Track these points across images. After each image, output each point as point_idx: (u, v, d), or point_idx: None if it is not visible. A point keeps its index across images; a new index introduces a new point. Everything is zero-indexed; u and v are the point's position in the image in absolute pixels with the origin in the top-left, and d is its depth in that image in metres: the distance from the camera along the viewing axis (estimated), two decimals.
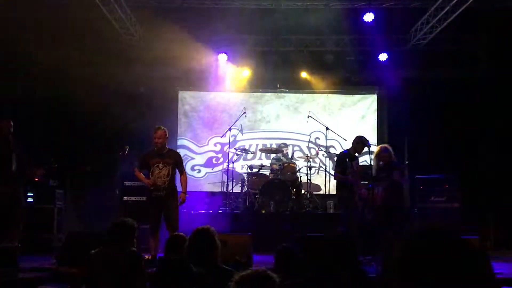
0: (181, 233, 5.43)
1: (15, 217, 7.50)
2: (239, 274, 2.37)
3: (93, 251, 4.41)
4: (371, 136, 12.12)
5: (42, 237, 8.86)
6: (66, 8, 9.57)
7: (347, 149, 8.51)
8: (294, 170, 11.11)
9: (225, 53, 12.16)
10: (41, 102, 10.67)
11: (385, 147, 8.25)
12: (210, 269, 3.95)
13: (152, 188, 7.58)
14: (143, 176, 7.74)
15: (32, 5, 9.06)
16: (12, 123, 7.68)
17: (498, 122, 11.10)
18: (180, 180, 7.94)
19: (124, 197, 9.53)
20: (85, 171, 9.70)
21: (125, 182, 9.64)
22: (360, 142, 8.34)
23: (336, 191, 8.55)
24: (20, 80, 9.66)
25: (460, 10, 10.01)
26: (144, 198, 8.52)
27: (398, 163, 8.05)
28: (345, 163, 8.13)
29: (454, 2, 9.94)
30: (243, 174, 11.44)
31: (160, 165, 7.65)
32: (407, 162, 7.56)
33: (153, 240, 7.53)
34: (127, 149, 9.14)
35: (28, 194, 9.11)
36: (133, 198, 9.49)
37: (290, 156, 11.63)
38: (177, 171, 7.86)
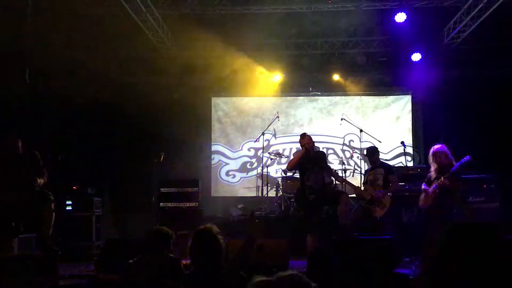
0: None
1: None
2: (259, 277, 1.99)
3: (131, 260, 4.40)
4: (407, 137, 12.03)
5: (81, 245, 8.98)
6: (101, 18, 9.73)
7: None
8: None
9: (256, 58, 12.18)
10: (74, 110, 10.82)
11: (441, 147, 7.76)
12: (214, 270, 3.77)
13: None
14: None
15: (69, 18, 9.25)
16: (19, 142, 6.92)
17: None
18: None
19: (160, 204, 9.59)
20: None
21: (161, 189, 9.69)
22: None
23: None
24: (55, 87, 9.80)
25: (494, 6, 9.82)
26: (179, 204, 9.04)
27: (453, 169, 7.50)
28: None
29: None
30: (278, 178, 11.43)
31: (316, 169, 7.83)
32: (468, 156, 7.20)
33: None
34: (162, 156, 9.23)
35: (67, 203, 9.24)
36: (169, 205, 9.53)
37: None
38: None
